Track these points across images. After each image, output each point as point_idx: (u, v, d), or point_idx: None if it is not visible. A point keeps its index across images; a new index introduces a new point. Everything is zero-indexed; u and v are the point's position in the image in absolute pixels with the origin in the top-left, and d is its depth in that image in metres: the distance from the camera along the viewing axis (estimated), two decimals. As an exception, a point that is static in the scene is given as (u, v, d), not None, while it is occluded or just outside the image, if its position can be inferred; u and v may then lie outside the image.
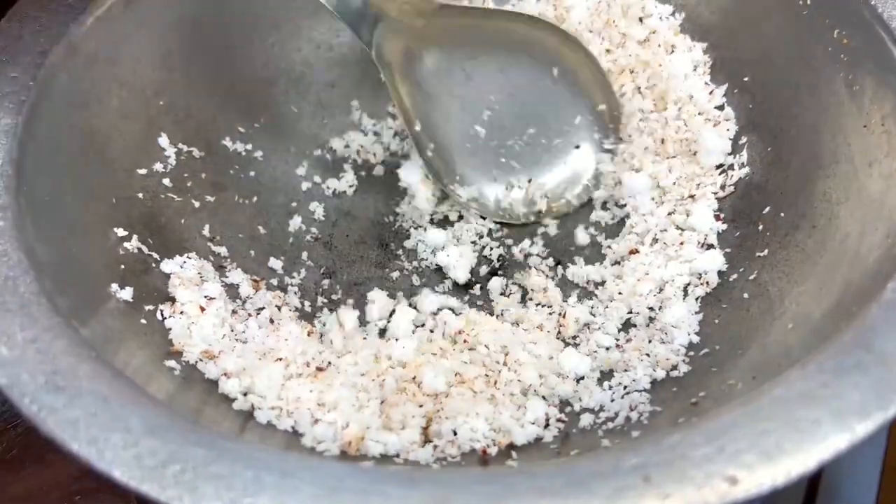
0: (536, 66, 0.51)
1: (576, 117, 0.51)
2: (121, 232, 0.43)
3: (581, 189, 0.52)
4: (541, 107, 0.51)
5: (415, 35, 0.49)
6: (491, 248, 0.51)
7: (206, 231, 0.48)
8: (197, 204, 0.48)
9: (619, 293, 0.47)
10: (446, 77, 0.50)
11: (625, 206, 0.50)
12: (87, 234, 0.41)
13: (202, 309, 0.41)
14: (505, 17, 0.51)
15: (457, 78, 0.51)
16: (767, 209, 0.46)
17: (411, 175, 0.51)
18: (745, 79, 0.50)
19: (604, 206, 0.52)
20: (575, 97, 0.51)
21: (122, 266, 0.42)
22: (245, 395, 0.39)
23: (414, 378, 0.40)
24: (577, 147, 0.52)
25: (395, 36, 0.49)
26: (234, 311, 0.43)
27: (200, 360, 0.39)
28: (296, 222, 0.52)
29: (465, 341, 0.44)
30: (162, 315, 0.41)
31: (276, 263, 0.49)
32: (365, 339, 0.45)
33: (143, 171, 0.46)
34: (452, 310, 0.47)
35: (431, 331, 0.46)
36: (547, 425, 0.40)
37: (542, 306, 0.47)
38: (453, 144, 0.51)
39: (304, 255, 0.50)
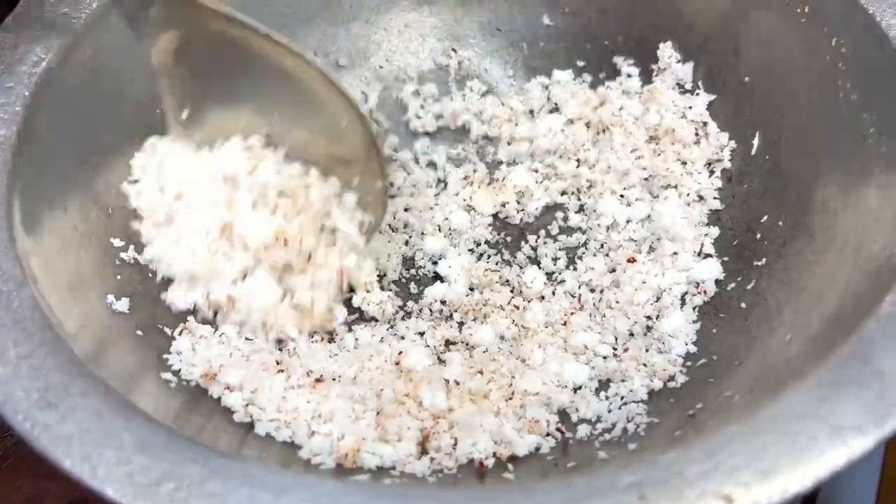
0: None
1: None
2: (117, 242, 0.42)
3: None
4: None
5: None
6: (489, 256, 0.50)
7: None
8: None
9: (617, 301, 0.46)
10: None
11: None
12: (82, 245, 0.41)
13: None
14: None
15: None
16: (765, 218, 0.46)
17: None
18: (744, 87, 0.50)
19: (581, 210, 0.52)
20: None
21: (119, 277, 0.42)
22: (246, 406, 0.39)
23: (408, 395, 0.40)
24: None
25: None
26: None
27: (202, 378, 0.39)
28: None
29: (466, 345, 0.45)
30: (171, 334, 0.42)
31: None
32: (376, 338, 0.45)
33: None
34: (451, 315, 0.47)
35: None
36: (547, 434, 0.40)
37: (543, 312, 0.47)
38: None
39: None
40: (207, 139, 0.45)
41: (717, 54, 0.51)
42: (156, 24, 0.42)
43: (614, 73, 0.55)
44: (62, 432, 0.29)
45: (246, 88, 0.45)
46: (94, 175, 0.43)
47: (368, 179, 0.46)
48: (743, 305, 0.43)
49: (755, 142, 0.49)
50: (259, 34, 0.43)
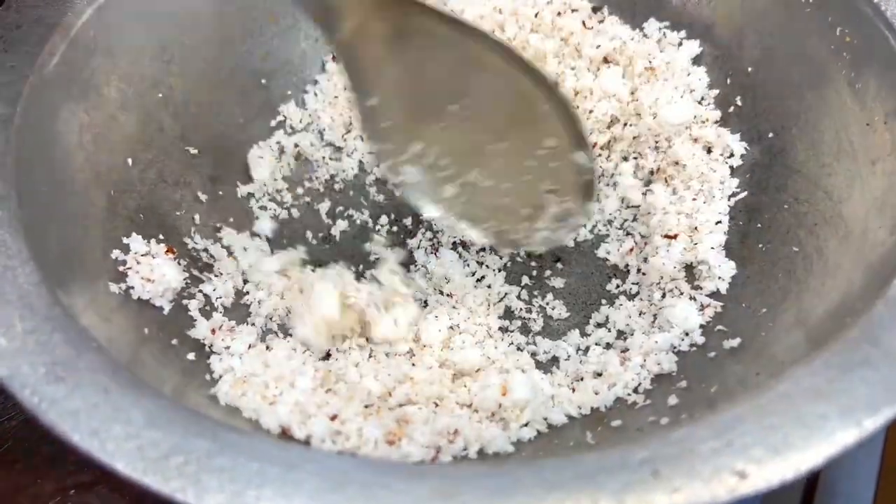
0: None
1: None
2: (119, 222, 0.42)
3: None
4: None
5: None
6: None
7: (202, 223, 0.48)
8: (194, 196, 0.48)
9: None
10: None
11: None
12: (86, 224, 0.40)
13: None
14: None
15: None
16: (770, 207, 0.46)
17: None
18: (748, 76, 0.50)
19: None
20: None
21: (121, 256, 0.41)
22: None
23: None
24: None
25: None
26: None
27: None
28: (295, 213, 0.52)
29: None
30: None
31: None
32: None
33: (141, 163, 0.46)
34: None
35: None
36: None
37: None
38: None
39: (302, 247, 0.50)
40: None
41: (721, 45, 0.51)
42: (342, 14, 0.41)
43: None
44: (70, 407, 0.28)
45: (437, 78, 0.43)
46: (97, 155, 0.42)
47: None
48: (747, 293, 0.44)
49: (759, 131, 0.49)
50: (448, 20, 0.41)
